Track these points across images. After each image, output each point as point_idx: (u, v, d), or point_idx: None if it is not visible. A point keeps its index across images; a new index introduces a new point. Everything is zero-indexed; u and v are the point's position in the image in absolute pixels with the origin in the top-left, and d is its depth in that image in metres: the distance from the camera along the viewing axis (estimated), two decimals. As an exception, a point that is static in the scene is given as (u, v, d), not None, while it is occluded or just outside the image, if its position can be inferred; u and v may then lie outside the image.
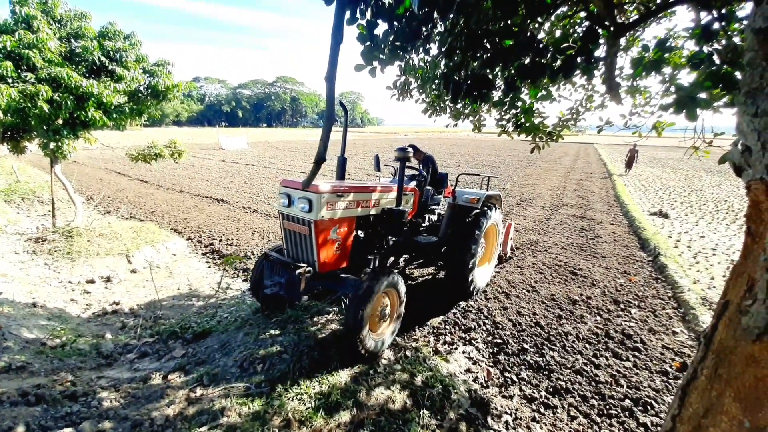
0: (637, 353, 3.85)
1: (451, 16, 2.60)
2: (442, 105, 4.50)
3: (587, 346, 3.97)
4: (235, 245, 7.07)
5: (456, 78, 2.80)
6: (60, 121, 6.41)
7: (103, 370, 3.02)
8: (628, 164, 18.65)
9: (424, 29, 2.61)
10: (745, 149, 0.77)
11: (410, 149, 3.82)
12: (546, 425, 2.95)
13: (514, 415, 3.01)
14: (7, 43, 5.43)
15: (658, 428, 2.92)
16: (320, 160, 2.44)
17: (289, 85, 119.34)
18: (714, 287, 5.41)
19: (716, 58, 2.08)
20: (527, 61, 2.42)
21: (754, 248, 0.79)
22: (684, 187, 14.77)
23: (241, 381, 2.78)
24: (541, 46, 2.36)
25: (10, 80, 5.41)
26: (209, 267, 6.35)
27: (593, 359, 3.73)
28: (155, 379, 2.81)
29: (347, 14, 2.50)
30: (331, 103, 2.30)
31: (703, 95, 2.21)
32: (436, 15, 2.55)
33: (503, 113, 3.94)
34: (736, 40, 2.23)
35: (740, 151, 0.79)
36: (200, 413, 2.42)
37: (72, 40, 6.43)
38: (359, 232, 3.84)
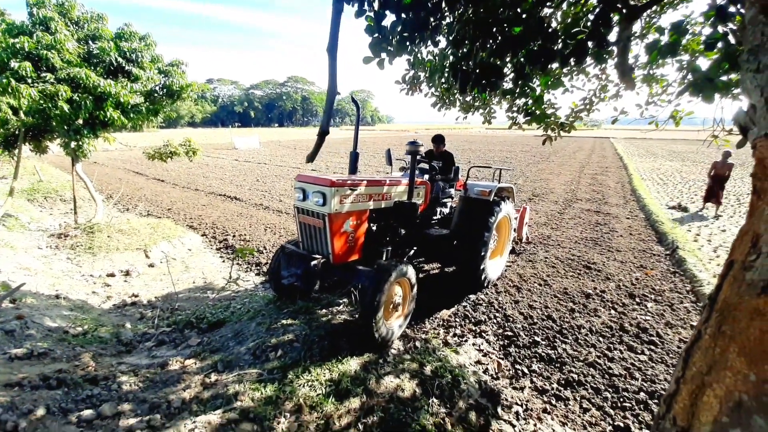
0: (653, 347, 3.77)
1: (460, 5, 2.59)
2: (451, 98, 4.48)
3: (601, 339, 3.91)
4: (248, 241, 7.19)
5: (464, 68, 2.78)
6: (80, 121, 6.63)
7: (123, 357, 3.13)
8: (714, 195, 8.79)
9: (432, 20, 2.60)
10: (750, 108, 0.76)
11: (420, 144, 3.83)
12: (558, 417, 2.92)
13: (525, 406, 2.99)
14: (25, 44, 5.62)
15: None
16: (323, 132, 2.48)
17: (300, 85, 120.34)
18: (735, 281, 5.24)
19: (732, 38, 2.02)
20: (537, 47, 2.39)
21: (759, 205, 0.78)
22: (704, 181, 14.29)
23: (254, 368, 2.84)
24: (550, 30, 2.33)
25: (29, 80, 5.60)
26: (223, 261, 6.48)
27: (607, 352, 3.68)
28: (172, 365, 2.89)
29: (355, 6, 2.52)
30: (332, 75, 2.31)
31: (722, 78, 2.15)
32: (444, 5, 2.54)
33: (513, 103, 3.90)
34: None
35: (745, 112, 0.78)
36: (215, 397, 2.48)
37: (90, 42, 6.62)
38: (372, 224, 3.88)
